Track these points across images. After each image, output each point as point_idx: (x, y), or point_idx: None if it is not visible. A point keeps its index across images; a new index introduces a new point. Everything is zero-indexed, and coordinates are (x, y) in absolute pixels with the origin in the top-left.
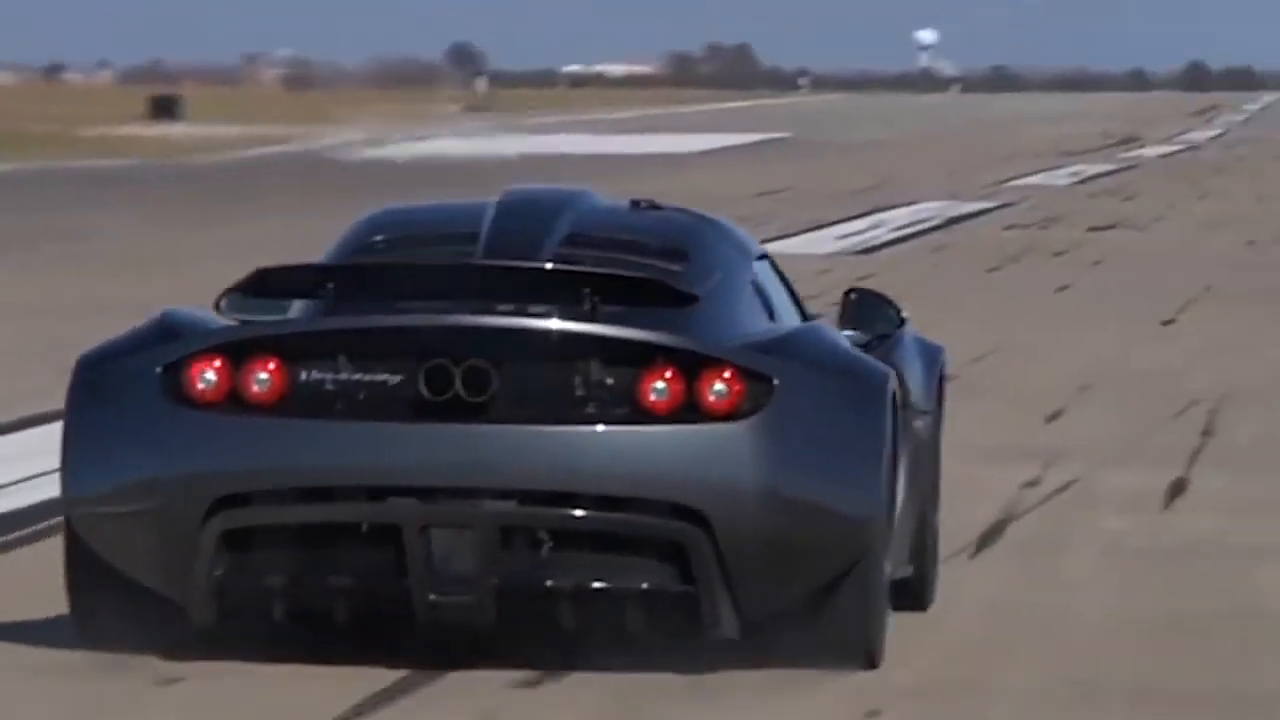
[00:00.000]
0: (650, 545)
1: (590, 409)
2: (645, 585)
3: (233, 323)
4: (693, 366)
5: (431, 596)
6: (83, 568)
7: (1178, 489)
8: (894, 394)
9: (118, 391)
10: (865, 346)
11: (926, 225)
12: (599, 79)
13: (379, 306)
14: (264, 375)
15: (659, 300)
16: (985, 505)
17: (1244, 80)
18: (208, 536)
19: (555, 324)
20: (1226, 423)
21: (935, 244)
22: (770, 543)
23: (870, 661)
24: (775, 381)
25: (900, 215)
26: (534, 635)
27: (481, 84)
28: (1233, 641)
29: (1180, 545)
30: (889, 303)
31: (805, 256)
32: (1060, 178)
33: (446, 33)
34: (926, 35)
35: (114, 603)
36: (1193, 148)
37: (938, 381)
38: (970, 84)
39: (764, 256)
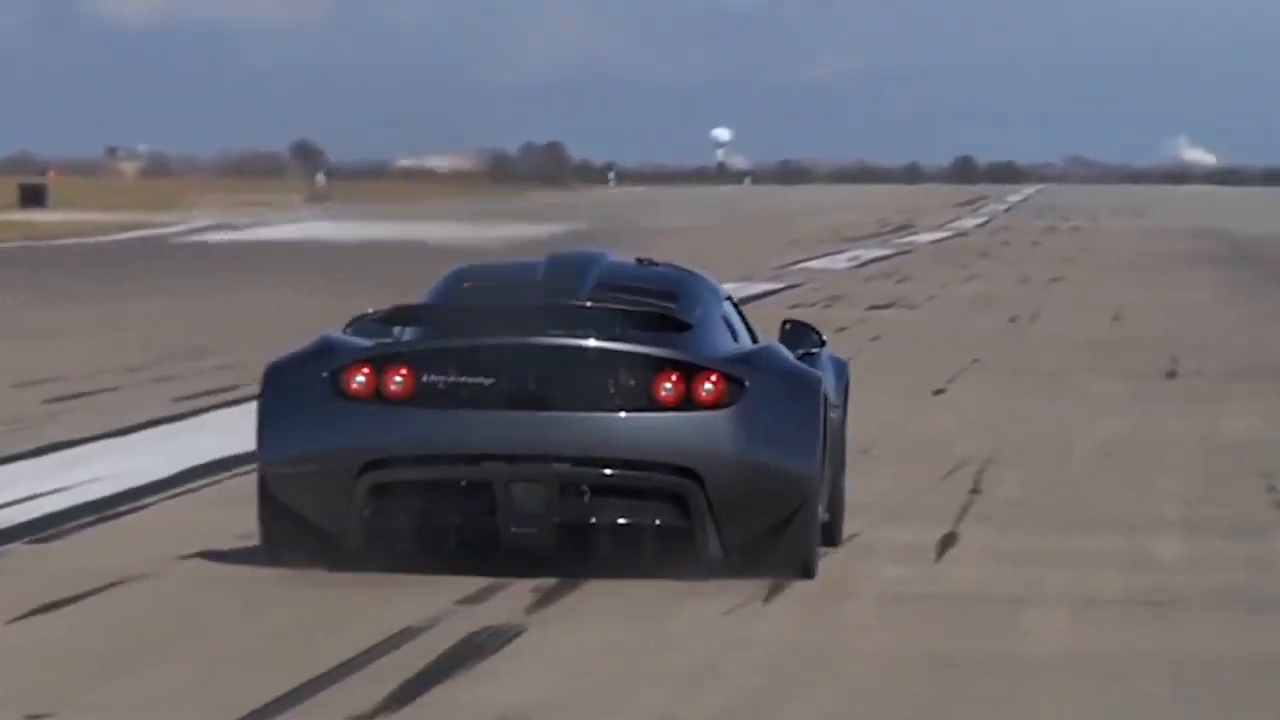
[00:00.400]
0: (660, 494)
1: (619, 401)
2: (657, 521)
3: (369, 343)
4: (690, 372)
5: (513, 529)
6: (270, 510)
7: (948, 542)
8: (824, 393)
9: (295, 389)
10: (799, 360)
11: None
12: (427, 173)
13: (473, 332)
14: (399, 378)
15: (664, 327)
16: None
17: (1008, 174)
18: (359, 489)
19: (593, 343)
20: (991, 482)
21: None
22: (742, 493)
23: (807, 573)
24: (746, 383)
25: None
26: (581, 556)
27: (320, 177)
28: (999, 679)
29: (951, 593)
30: (813, 329)
31: None
32: (841, 261)
33: (292, 130)
34: (722, 133)
35: (291, 534)
36: (961, 234)
37: (845, 385)
38: (761, 176)
39: (728, 298)
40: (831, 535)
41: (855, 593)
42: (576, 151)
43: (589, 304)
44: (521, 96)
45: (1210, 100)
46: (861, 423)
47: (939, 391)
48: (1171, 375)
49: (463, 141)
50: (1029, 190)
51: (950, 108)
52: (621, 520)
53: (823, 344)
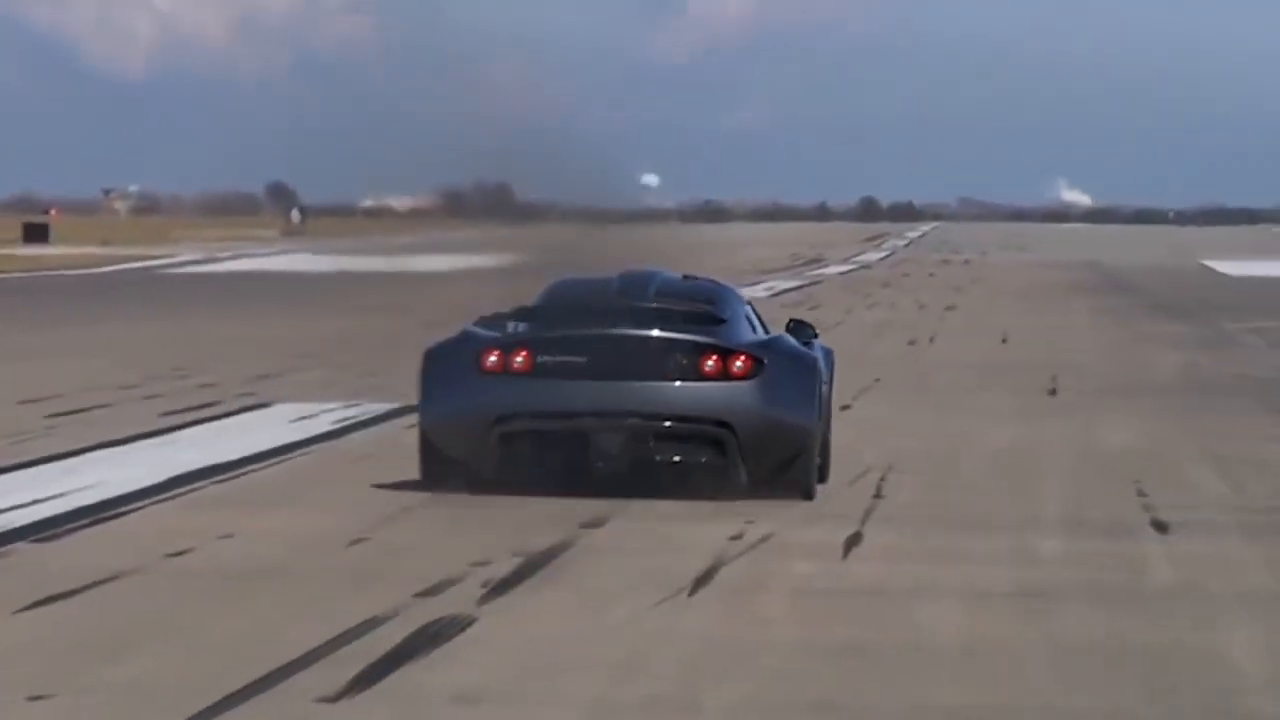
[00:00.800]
0: (704, 439)
1: (675, 374)
2: (703, 459)
3: (496, 333)
4: (725, 354)
5: (598, 464)
6: (428, 453)
7: (854, 541)
8: (819, 370)
9: (446, 366)
10: (801, 346)
11: None
12: (388, 211)
13: (571, 325)
14: (520, 358)
15: (706, 321)
16: (699, 556)
17: (907, 213)
18: (492, 436)
19: (656, 333)
20: (893, 487)
21: None
22: (763, 440)
23: (808, 496)
24: (765, 362)
25: None
26: (649, 485)
27: (295, 214)
28: (900, 665)
29: (856, 588)
30: (810, 326)
31: None
32: (759, 291)
33: (267, 172)
34: (650, 179)
35: (442, 469)
36: (865, 267)
37: (831, 367)
38: (686, 215)
39: (748, 302)
40: (823, 473)
41: (769, 588)
42: (522, 193)
43: (653, 305)
44: (473, 140)
45: (1086, 145)
46: None
47: (845, 407)
48: (1053, 393)
49: (424, 180)
50: (925, 228)
51: (856, 153)
52: (676, 458)
53: (816, 336)
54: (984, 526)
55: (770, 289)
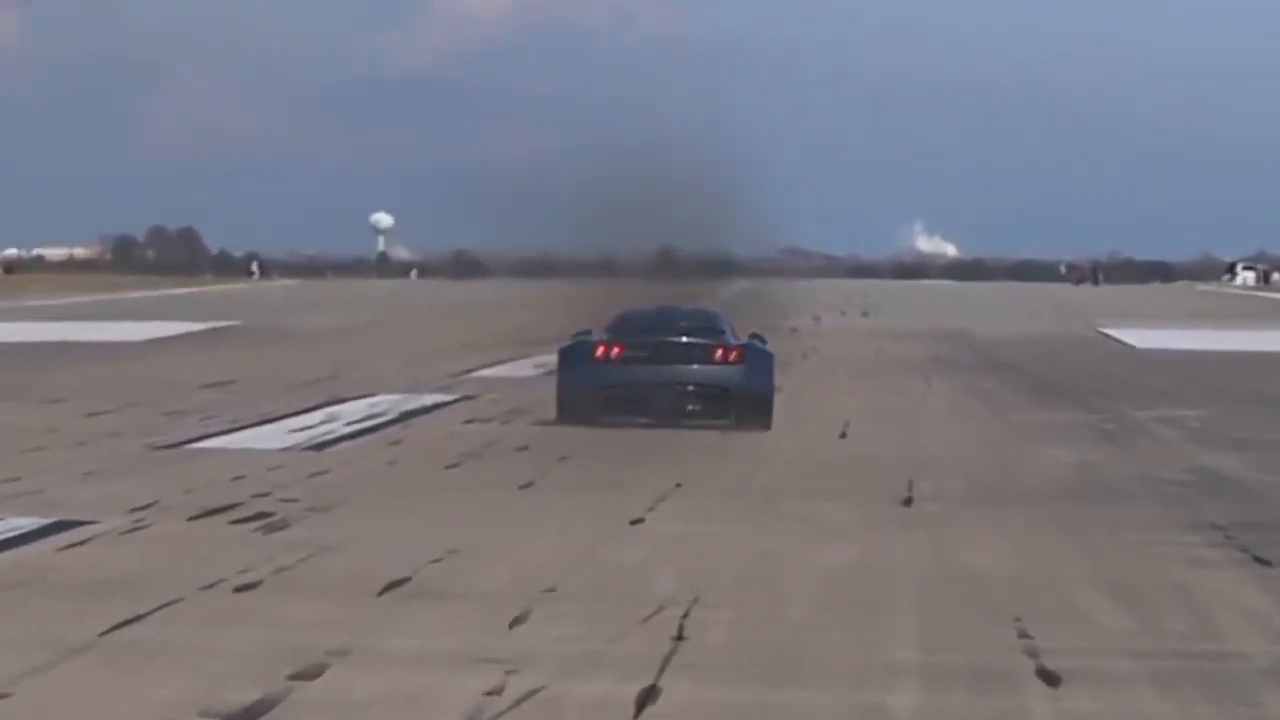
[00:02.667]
0: (714, 397)
1: (697, 361)
2: (711, 408)
3: (600, 336)
4: (726, 349)
5: (655, 411)
6: (562, 405)
7: (648, 697)
8: (773, 358)
9: (574, 355)
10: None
11: (383, 419)
12: (39, 263)
13: (640, 333)
14: (615, 351)
15: (711, 332)
16: (446, 716)
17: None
18: (600, 395)
19: (685, 339)
20: (697, 625)
21: (392, 438)
22: (745, 399)
23: (767, 428)
24: (746, 354)
25: (356, 408)
26: (682, 420)
27: None
28: None
29: None
30: (762, 335)
31: (256, 452)
32: (524, 368)
33: None
34: (383, 219)
35: (568, 416)
36: None
37: (772, 358)
38: (430, 268)
39: (727, 319)
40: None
41: None
42: (213, 240)
43: (681, 324)
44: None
45: (950, 181)
46: (546, 557)
47: (637, 521)
48: (907, 502)
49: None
50: (738, 287)
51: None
52: (698, 407)
53: (766, 341)
54: (817, 676)
55: (541, 366)
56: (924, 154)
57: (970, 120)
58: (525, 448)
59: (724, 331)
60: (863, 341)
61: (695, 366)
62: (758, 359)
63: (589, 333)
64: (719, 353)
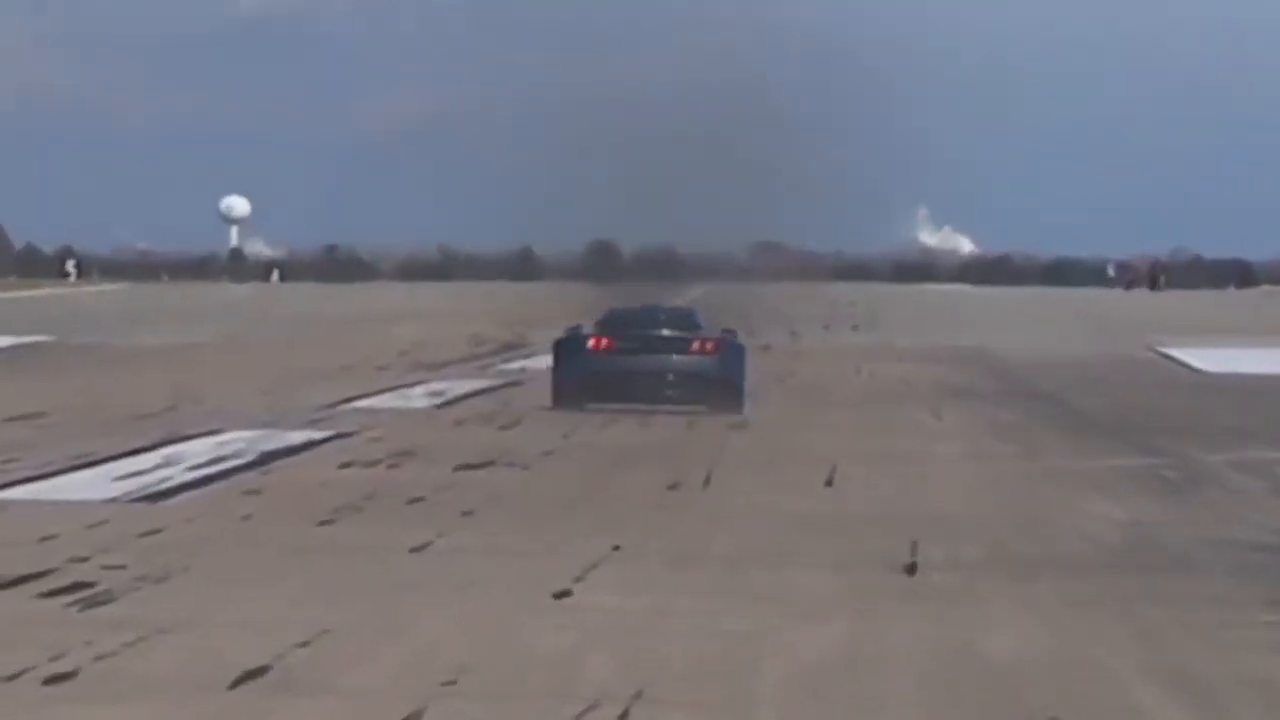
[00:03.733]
0: (691, 384)
1: (677, 351)
2: (693, 394)
3: (591, 329)
4: (703, 341)
5: (642, 394)
6: (557, 391)
7: None
8: (746, 350)
9: (569, 347)
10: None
11: (236, 462)
12: None
13: (628, 328)
14: (605, 343)
15: (690, 326)
16: None
17: (666, 268)
18: (590, 382)
19: (668, 333)
20: None
21: (248, 487)
22: (719, 385)
23: (739, 412)
24: (721, 345)
25: (201, 448)
26: (663, 402)
27: None
28: None
29: None
30: (735, 332)
31: (72, 504)
32: (417, 398)
33: None
34: (238, 205)
35: (563, 401)
36: None
37: (744, 350)
38: (297, 268)
39: (700, 313)
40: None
41: None
42: (18, 231)
43: (662, 319)
44: None
45: (963, 160)
46: (449, 637)
47: (563, 594)
48: (910, 569)
49: None
50: (695, 293)
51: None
52: (676, 392)
53: (736, 334)
54: None
55: (437, 394)
56: (929, 122)
57: (989, 79)
58: (419, 499)
59: (700, 326)
60: (853, 363)
61: (675, 356)
62: (730, 350)
63: (580, 327)
64: (696, 344)
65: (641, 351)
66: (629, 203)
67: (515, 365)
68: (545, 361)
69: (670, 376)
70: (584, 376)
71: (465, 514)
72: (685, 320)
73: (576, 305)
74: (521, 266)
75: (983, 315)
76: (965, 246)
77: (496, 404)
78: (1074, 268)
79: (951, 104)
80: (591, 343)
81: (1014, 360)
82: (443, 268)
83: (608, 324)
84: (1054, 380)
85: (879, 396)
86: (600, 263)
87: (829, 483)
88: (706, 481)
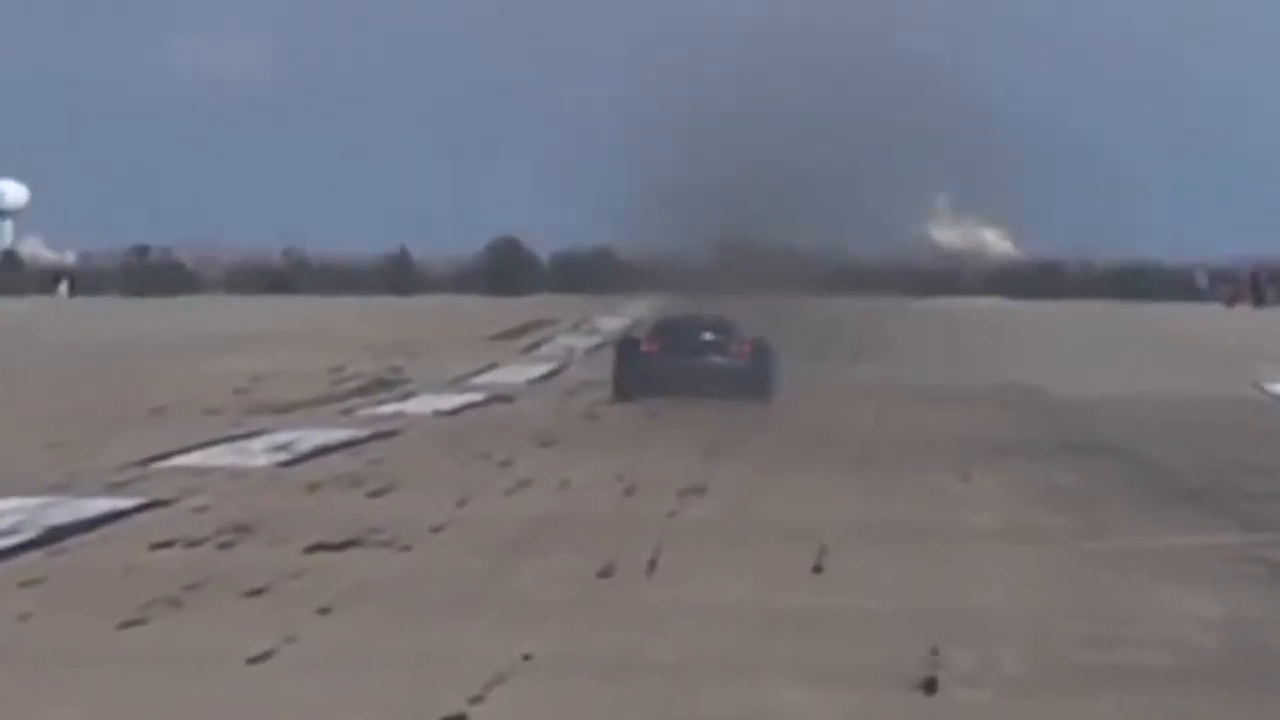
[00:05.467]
0: (729, 382)
1: (718, 354)
2: (727, 389)
3: (643, 334)
4: (740, 344)
5: (688, 389)
6: (618, 388)
7: None
8: (775, 354)
9: (626, 348)
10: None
11: (11, 541)
12: None
13: (676, 334)
14: (658, 345)
15: (728, 332)
16: None
17: (608, 274)
18: (645, 377)
19: (709, 336)
20: None
21: (26, 575)
22: (752, 383)
23: (769, 403)
24: (753, 349)
25: None
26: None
27: None
28: None
29: None
30: (763, 337)
31: None
32: (257, 453)
33: None
34: (9, 192)
35: (623, 394)
36: (501, 397)
37: (774, 354)
38: (92, 277)
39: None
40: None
41: None
42: None
43: (705, 325)
44: None
45: (995, 133)
46: None
47: (457, 718)
48: (929, 686)
49: None
50: (638, 307)
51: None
52: (718, 387)
53: (768, 345)
54: None
55: (282, 448)
56: (950, 91)
57: (1036, 27)
58: (259, 591)
59: (736, 333)
60: (852, 403)
61: (716, 358)
62: (762, 353)
63: (634, 334)
64: (733, 347)
65: (688, 353)
66: (536, 197)
67: (389, 409)
68: (430, 403)
69: (711, 374)
70: (639, 373)
71: (322, 611)
72: (725, 327)
73: (477, 322)
74: (396, 275)
75: (1028, 341)
76: (999, 244)
77: (364, 462)
78: (1151, 276)
79: (982, 54)
80: (645, 345)
81: (1069, 400)
82: (287, 277)
83: (659, 329)
84: (1124, 428)
85: (885, 450)
86: (500, 258)
87: (817, 568)
88: (651, 565)
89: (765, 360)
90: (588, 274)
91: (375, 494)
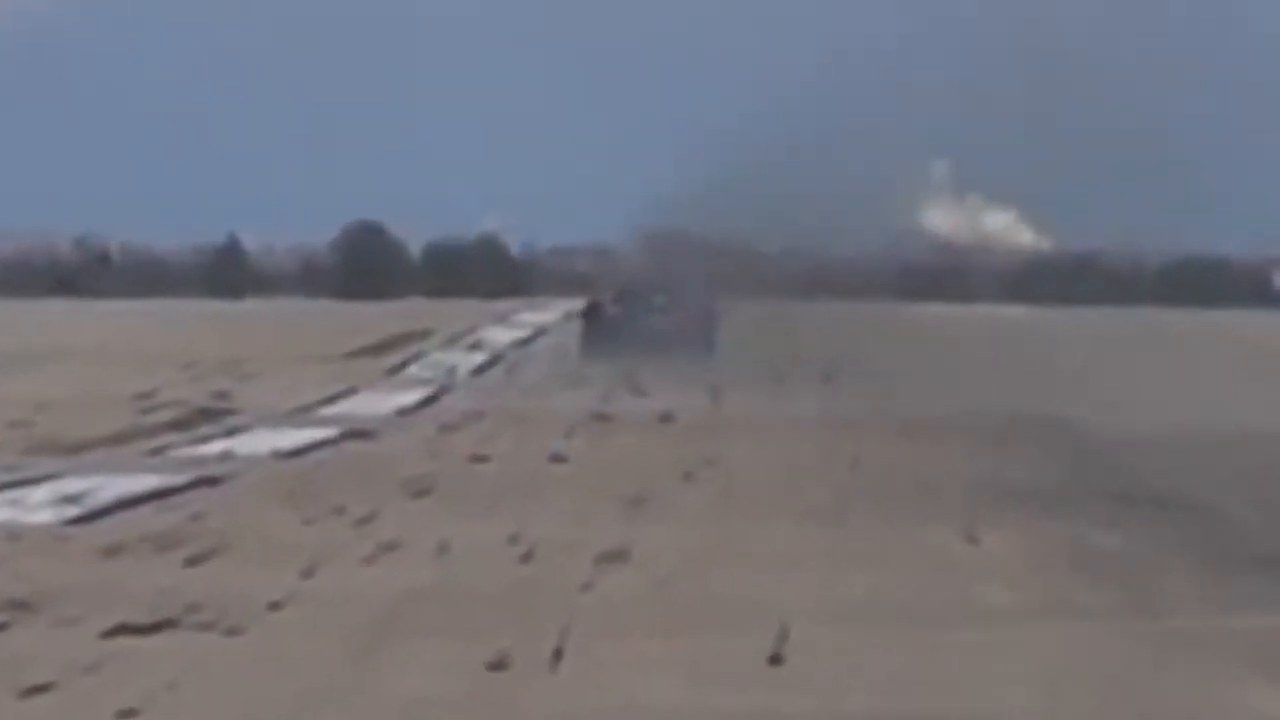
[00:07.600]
0: (681, 339)
1: (673, 315)
2: (678, 343)
3: (609, 298)
4: (685, 309)
5: (645, 346)
6: (585, 346)
7: None
8: (718, 315)
9: (593, 311)
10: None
11: None
12: None
13: (634, 300)
14: (620, 309)
15: (680, 299)
16: None
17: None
18: (605, 336)
19: (665, 299)
20: None
21: None
22: (697, 338)
23: (711, 355)
24: (699, 311)
25: None
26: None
27: None
28: None
29: None
30: (710, 303)
31: None
32: (38, 506)
33: None
34: None
35: (590, 353)
36: (359, 433)
37: (718, 314)
38: None
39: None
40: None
41: None
42: None
43: (656, 293)
44: None
45: (1012, 103)
46: None
47: None
48: None
49: None
50: (550, 315)
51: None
52: (666, 345)
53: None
54: None
55: (62, 499)
56: (956, 59)
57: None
58: (42, 689)
59: (686, 298)
60: (820, 439)
61: (670, 319)
62: (709, 316)
63: (599, 301)
64: (684, 311)
65: (645, 315)
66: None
67: (213, 448)
68: (267, 440)
69: (666, 334)
70: (605, 334)
71: (124, 716)
72: (678, 293)
73: (329, 334)
74: (223, 272)
75: (1052, 358)
76: (1015, 232)
77: (181, 518)
78: (1211, 273)
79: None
80: (610, 310)
81: (1110, 435)
82: (81, 274)
83: (619, 297)
84: (1182, 472)
85: (864, 502)
86: (360, 260)
87: (775, 659)
88: (557, 657)
89: (710, 322)
90: (471, 270)
91: (195, 560)
